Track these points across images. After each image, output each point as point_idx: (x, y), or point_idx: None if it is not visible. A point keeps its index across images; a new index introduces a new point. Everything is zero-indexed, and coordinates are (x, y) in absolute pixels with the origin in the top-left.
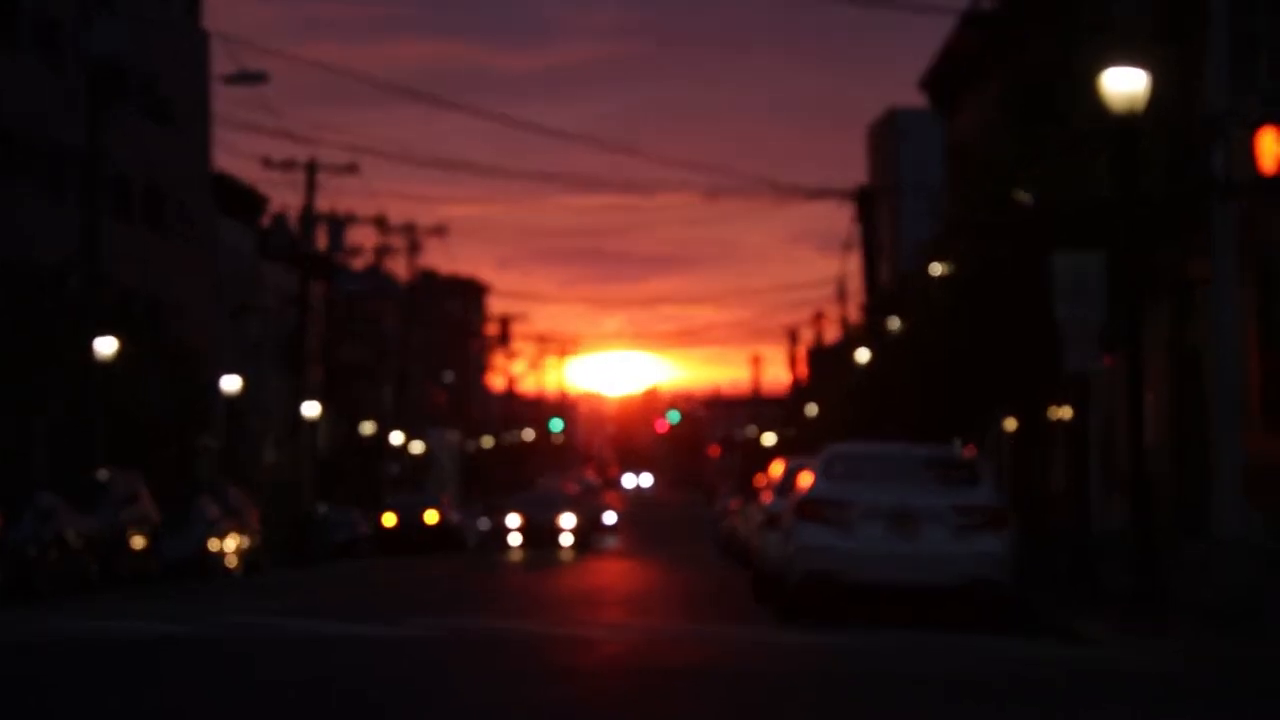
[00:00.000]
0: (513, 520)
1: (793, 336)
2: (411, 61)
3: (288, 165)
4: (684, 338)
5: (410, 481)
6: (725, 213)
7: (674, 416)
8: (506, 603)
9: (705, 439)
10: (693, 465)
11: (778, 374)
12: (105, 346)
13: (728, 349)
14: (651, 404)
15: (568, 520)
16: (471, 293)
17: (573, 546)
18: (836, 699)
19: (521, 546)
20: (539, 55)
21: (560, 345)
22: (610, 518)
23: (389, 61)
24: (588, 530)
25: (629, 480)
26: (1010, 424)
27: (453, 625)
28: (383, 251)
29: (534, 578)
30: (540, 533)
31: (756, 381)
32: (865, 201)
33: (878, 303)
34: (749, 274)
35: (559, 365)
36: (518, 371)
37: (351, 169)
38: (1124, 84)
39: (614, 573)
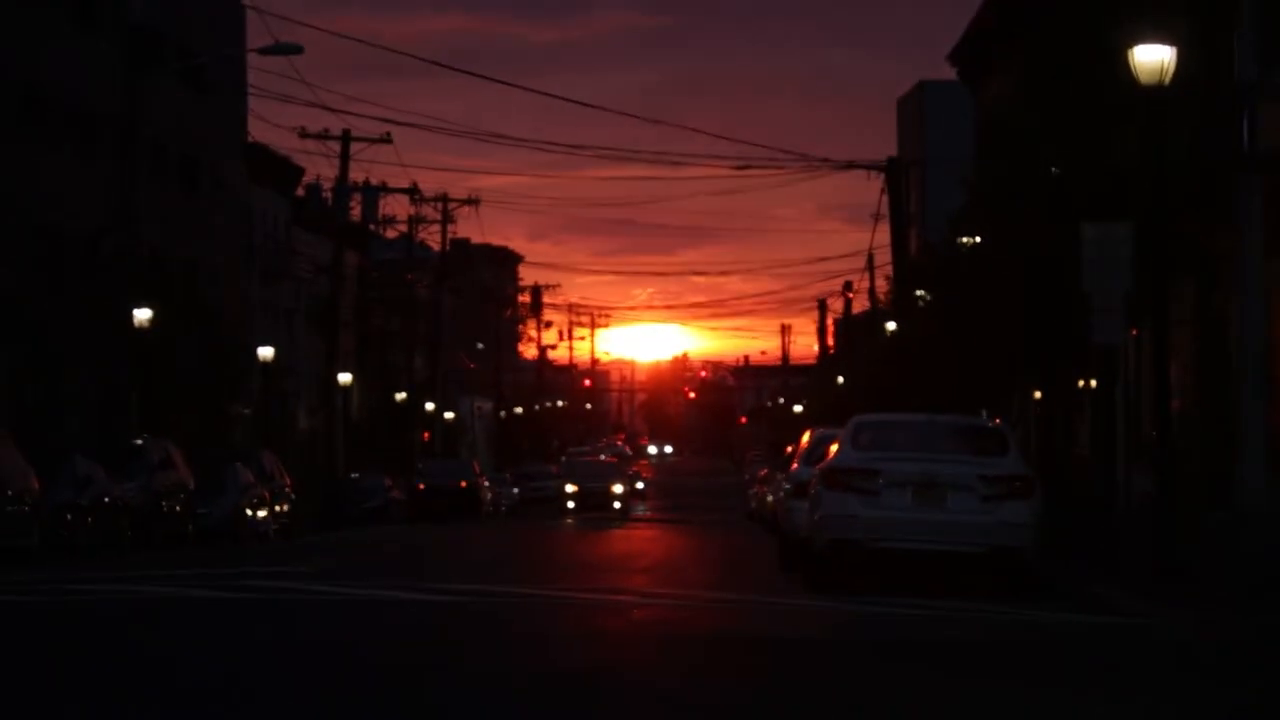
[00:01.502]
0: (569, 489)
1: (822, 307)
2: (444, 34)
3: (323, 136)
4: (714, 308)
5: (442, 448)
6: (755, 184)
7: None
8: (539, 567)
9: (734, 407)
10: (720, 433)
11: (807, 344)
12: (139, 311)
13: (757, 320)
14: (681, 371)
15: (617, 489)
16: (504, 262)
17: (619, 512)
18: (855, 666)
19: (575, 512)
20: (570, 28)
21: (591, 315)
22: (641, 484)
23: (422, 34)
24: (629, 497)
25: (653, 448)
26: (1036, 394)
27: (483, 590)
28: (416, 221)
29: (581, 541)
30: (594, 499)
31: (786, 351)
32: (894, 173)
33: (905, 274)
34: (779, 245)
35: (590, 335)
36: (549, 340)
37: (385, 140)
38: (1152, 55)
39: (647, 539)
